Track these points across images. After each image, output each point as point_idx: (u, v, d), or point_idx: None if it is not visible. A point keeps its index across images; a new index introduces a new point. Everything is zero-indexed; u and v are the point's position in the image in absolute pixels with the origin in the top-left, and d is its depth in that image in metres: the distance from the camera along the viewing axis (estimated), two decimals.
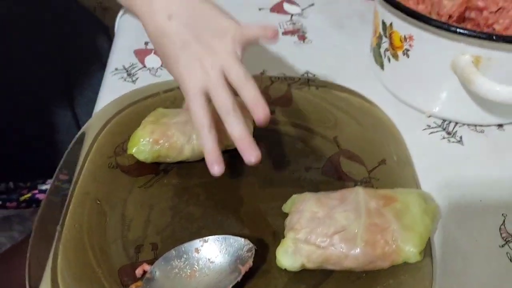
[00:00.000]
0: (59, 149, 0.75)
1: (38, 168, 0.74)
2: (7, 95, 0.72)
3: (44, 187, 0.68)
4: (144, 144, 0.48)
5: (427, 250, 0.42)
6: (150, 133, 0.48)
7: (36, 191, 0.67)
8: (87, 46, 0.77)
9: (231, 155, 0.49)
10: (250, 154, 0.43)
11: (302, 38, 0.67)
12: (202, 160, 0.50)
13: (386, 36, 0.55)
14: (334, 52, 0.65)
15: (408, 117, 0.56)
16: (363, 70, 0.62)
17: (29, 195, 0.65)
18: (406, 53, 0.53)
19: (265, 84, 0.58)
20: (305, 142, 0.52)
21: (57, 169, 0.48)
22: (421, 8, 0.51)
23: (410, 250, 0.40)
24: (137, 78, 0.60)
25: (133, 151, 0.48)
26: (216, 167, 0.44)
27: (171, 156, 0.49)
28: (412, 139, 0.54)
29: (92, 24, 0.79)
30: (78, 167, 0.49)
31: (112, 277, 0.41)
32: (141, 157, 0.48)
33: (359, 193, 0.42)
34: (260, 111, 0.43)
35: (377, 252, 0.40)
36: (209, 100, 0.44)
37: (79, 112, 0.75)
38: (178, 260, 0.41)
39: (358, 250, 0.40)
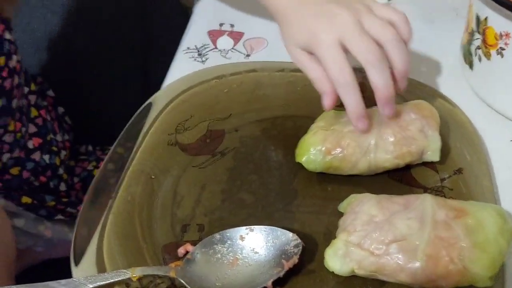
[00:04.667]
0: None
1: (111, 137, 0.77)
2: (89, 69, 0.76)
3: None
4: (315, 154, 0.43)
5: (500, 276, 0.37)
6: (322, 141, 0.44)
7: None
8: (165, 26, 0.78)
9: (293, 144, 0.46)
10: (389, 108, 0.42)
11: None
12: (260, 147, 0.48)
13: (479, 32, 0.49)
14: (419, 47, 0.59)
15: (495, 124, 0.50)
16: (449, 69, 0.56)
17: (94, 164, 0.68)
18: (500, 52, 0.47)
19: None
20: None
21: (117, 140, 0.49)
22: None
23: (479, 273, 0.35)
24: (207, 59, 0.59)
25: (303, 160, 0.44)
26: (360, 124, 0.42)
27: (343, 169, 0.44)
28: (497, 149, 0.48)
29: (172, 6, 0.81)
30: (139, 140, 0.49)
31: (155, 253, 0.41)
32: (311, 166, 0.44)
33: (427, 200, 0.38)
34: (402, 84, 0.42)
35: (439, 270, 0.35)
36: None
37: (151, 88, 0.77)
38: (222, 245, 0.39)
39: (417, 264, 0.35)
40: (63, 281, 0.37)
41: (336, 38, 0.41)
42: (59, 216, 0.61)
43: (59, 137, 0.64)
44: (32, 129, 0.60)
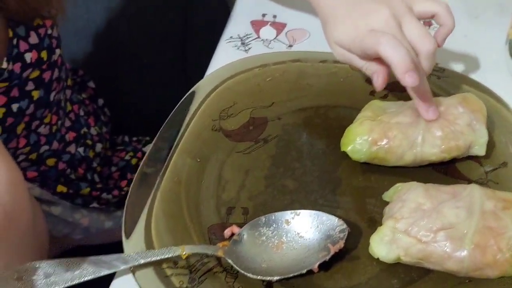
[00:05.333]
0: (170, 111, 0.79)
1: (149, 128, 0.79)
2: (130, 59, 0.78)
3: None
4: (361, 143, 0.43)
5: None
6: (368, 131, 0.44)
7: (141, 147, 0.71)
8: (205, 17, 0.79)
9: (336, 133, 0.47)
10: (432, 111, 0.43)
11: (428, 24, 0.62)
12: (303, 135, 0.49)
13: None
14: (463, 43, 0.59)
15: None
16: (494, 65, 0.56)
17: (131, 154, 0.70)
18: None
19: None
20: None
21: (164, 124, 0.50)
22: None
23: None
24: (250, 48, 0.60)
25: (348, 149, 0.44)
26: (408, 77, 0.38)
27: (389, 160, 0.44)
28: None
29: None
30: (184, 125, 0.50)
31: (201, 233, 0.42)
32: (356, 156, 0.44)
33: (475, 190, 0.38)
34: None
35: (486, 259, 0.35)
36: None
37: (192, 78, 0.78)
38: (267, 228, 0.40)
39: (464, 253, 0.36)
40: (114, 255, 0.38)
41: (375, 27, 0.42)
42: (94, 204, 0.63)
43: (93, 131, 0.66)
44: (67, 123, 0.62)
